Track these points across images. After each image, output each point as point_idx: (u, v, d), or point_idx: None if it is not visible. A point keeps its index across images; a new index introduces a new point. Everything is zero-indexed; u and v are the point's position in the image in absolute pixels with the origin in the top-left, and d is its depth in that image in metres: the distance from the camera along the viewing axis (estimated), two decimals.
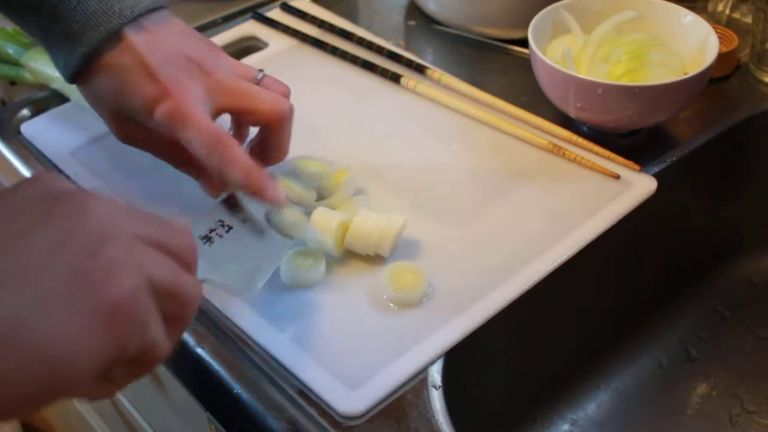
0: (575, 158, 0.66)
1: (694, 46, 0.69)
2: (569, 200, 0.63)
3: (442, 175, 0.66)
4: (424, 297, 0.55)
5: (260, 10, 0.85)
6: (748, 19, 0.81)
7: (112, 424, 0.96)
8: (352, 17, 0.85)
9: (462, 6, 0.81)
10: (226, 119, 0.60)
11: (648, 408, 0.70)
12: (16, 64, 0.75)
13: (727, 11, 0.82)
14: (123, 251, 0.35)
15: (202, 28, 0.83)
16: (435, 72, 0.74)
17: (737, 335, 0.75)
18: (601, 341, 0.72)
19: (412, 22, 0.86)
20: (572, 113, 0.67)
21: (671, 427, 0.69)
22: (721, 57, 0.69)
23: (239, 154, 0.54)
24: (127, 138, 0.59)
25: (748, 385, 0.71)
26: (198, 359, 0.53)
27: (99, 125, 0.69)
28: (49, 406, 0.34)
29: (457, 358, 0.53)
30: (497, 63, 0.80)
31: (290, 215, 0.55)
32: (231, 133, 0.62)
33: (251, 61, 0.78)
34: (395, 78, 0.75)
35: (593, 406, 0.70)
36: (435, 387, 0.50)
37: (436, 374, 0.51)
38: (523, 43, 0.72)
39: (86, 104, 0.70)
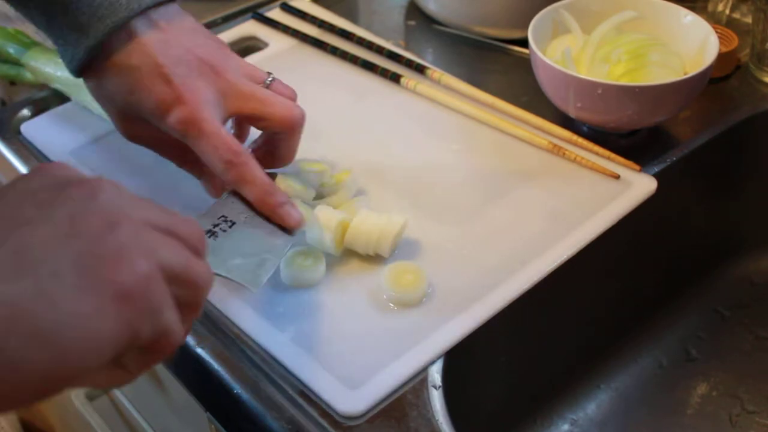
0: (575, 158, 0.66)
1: (694, 46, 0.69)
2: (569, 200, 0.63)
3: (442, 175, 0.66)
4: (424, 297, 0.55)
5: (260, 10, 0.85)
6: (748, 19, 0.81)
7: (112, 424, 0.96)
8: (352, 17, 0.85)
9: (462, 6, 0.81)
10: None
11: (648, 408, 0.70)
12: (16, 63, 0.75)
13: (727, 11, 0.82)
14: (133, 237, 0.35)
15: None
16: (435, 72, 0.74)
17: (737, 335, 0.75)
18: (601, 341, 0.72)
19: (412, 22, 0.86)
20: (572, 113, 0.67)
21: (671, 427, 0.69)
22: (721, 57, 0.69)
23: (257, 172, 0.54)
24: (132, 136, 0.59)
25: (748, 385, 0.71)
26: (198, 359, 0.53)
27: (99, 125, 0.70)
28: (58, 394, 0.33)
29: (457, 358, 0.53)
30: (497, 63, 0.80)
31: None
32: (232, 131, 0.62)
33: (251, 61, 0.78)
34: (395, 78, 0.75)
35: (593, 406, 0.70)
36: (435, 387, 0.50)
37: (436, 374, 0.51)
38: (523, 43, 0.72)
39: (87, 104, 0.70)
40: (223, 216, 0.53)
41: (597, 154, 0.66)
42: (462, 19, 0.82)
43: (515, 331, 0.59)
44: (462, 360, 0.53)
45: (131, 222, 0.36)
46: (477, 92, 0.72)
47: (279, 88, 0.59)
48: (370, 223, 0.57)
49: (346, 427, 0.48)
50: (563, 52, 0.68)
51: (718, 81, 0.75)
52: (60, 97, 0.74)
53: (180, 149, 0.60)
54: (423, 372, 0.51)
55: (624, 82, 0.65)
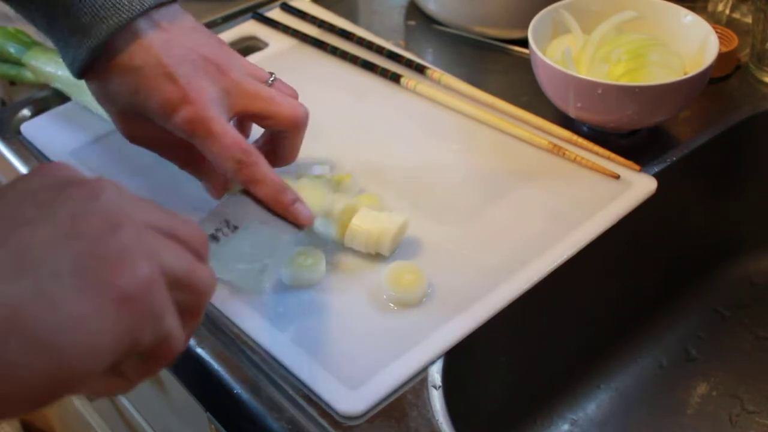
0: (575, 158, 0.66)
1: (694, 46, 0.69)
2: (569, 200, 0.63)
3: (442, 175, 0.66)
4: (424, 297, 0.55)
5: (260, 10, 0.85)
6: (748, 19, 0.81)
7: (112, 424, 0.96)
8: (352, 17, 0.85)
9: (462, 6, 0.81)
10: None
11: (648, 408, 0.70)
12: (17, 63, 0.75)
13: (727, 11, 0.82)
14: (135, 239, 0.34)
15: None
16: (435, 72, 0.74)
17: (737, 335, 0.75)
18: (601, 341, 0.72)
19: (412, 22, 0.86)
20: (572, 113, 0.67)
21: (671, 427, 0.69)
22: (721, 57, 0.69)
23: (268, 171, 0.54)
24: (134, 137, 0.59)
25: (748, 385, 0.71)
26: (198, 359, 0.53)
27: (99, 125, 0.70)
28: (57, 400, 0.32)
29: (457, 358, 0.53)
30: (497, 63, 0.80)
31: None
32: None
33: (251, 61, 0.78)
34: (395, 78, 0.75)
35: (593, 406, 0.70)
36: (435, 387, 0.50)
37: (436, 374, 0.51)
38: (523, 43, 0.72)
39: (87, 104, 0.70)
40: (225, 220, 0.52)
41: (597, 154, 0.66)
42: (462, 19, 0.82)
43: (515, 331, 0.59)
44: (462, 360, 0.53)
45: (133, 223, 0.35)
46: (477, 92, 0.72)
47: (281, 87, 0.59)
48: (370, 220, 0.57)
49: (346, 427, 0.48)
50: (563, 52, 0.68)
51: (718, 81, 0.75)
52: (60, 97, 0.74)
53: (181, 150, 0.60)
54: (423, 372, 0.51)
55: (624, 82, 0.65)
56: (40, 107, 0.74)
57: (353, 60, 0.77)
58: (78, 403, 1.01)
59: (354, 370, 0.51)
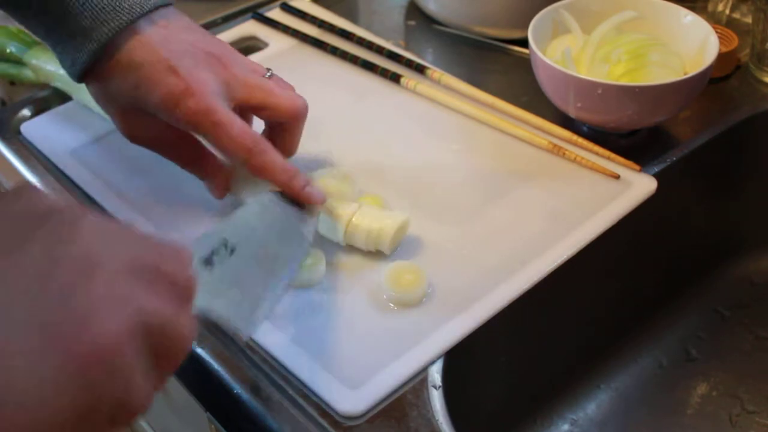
0: (575, 158, 0.66)
1: (694, 46, 0.69)
2: (569, 200, 0.63)
3: (442, 175, 0.66)
4: (424, 297, 0.55)
5: (260, 10, 0.85)
6: (748, 19, 0.81)
7: None
8: (352, 17, 0.85)
9: (462, 6, 0.81)
10: None
11: (648, 408, 0.70)
12: (18, 62, 0.75)
13: (727, 11, 0.82)
14: (109, 289, 0.31)
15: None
16: (435, 72, 0.74)
17: (737, 335, 0.75)
18: (601, 341, 0.72)
19: (412, 22, 0.86)
20: (572, 113, 0.67)
21: (671, 427, 0.69)
22: (721, 57, 0.69)
23: (277, 157, 0.54)
24: (135, 136, 0.59)
25: (748, 385, 0.71)
26: (198, 359, 0.53)
27: (100, 125, 0.70)
28: None
29: (457, 358, 0.53)
30: (497, 63, 0.80)
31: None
32: None
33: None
34: (395, 78, 0.75)
35: (593, 406, 0.70)
36: (435, 387, 0.50)
37: (436, 374, 0.51)
38: (523, 43, 0.72)
39: (88, 103, 0.70)
40: (223, 239, 0.47)
41: (597, 154, 0.66)
42: (462, 19, 0.82)
43: (515, 331, 0.59)
44: (462, 360, 0.53)
45: (109, 269, 0.32)
46: (477, 92, 0.72)
47: (279, 82, 0.60)
48: (371, 218, 0.57)
49: (346, 427, 0.48)
50: (563, 52, 0.68)
51: (718, 81, 0.75)
52: (60, 97, 0.74)
53: (182, 149, 0.60)
54: (423, 372, 0.51)
55: (624, 82, 0.65)
56: (40, 107, 0.74)
57: (353, 60, 0.77)
58: None
59: (354, 370, 0.51)
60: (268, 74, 0.59)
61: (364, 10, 0.89)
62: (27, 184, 0.37)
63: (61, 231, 0.32)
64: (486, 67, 0.80)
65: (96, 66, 0.55)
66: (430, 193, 0.64)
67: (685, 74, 0.66)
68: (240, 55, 0.58)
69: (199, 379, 0.54)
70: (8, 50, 0.75)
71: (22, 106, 0.74)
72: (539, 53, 0.66)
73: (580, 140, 0.67)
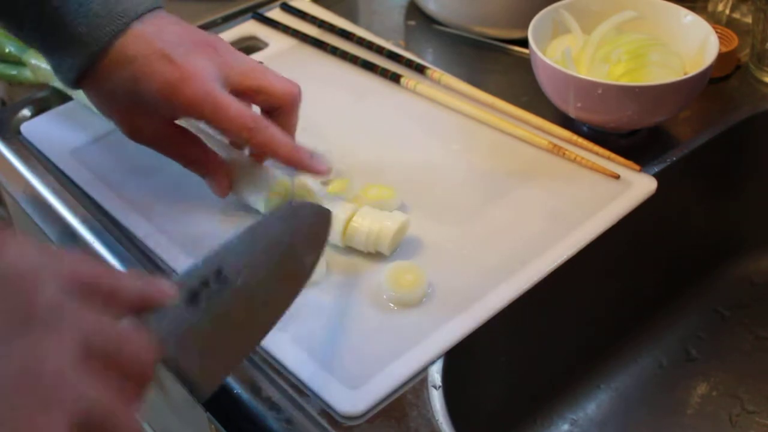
0: (575, 158, 0.66)
1: (694, 46, 0.69)
2: (569, 200, 0.63)
3: (442, 175, 0.66)
4: (424, 297, 0.55)
5: (260, 10, 0.85)
6: (748, 19, 0.81)
7: None
8: (352, 17, 0.85)
9: (462, 6, 0.81)
10: None
11: (648, 408, 0.70)
12: (17, 63, 0.75)
13: (727, 11, 0.82)
14: (53, 387, 0.30)
15: (202, 28, 0.83)
16: (435, 72, 0.74)
17: (737, 335, 0.75)
18: (601, 341, 0.72)
19: (412, 22, 0.86)
20: (572, 113, 0.67)
21: (671, 427, 0.69)
22: (721, 57, 0.69)
23: (279, 133, 0.55)
24: (136, 134, 0.59)
25: (748, 385, 0.71)
26: None
27: (100, 124, 0.70)
28: None
29: (457, 358, 0.53)
30: (497, 63, 0.80)
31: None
32: None
33: None
34: (395, 78, 0.75)
35: (593, 406, 0.70)
36: (435, 387, 0.50)
37: (436, 374, 0.51)
38: (523, 43, 0.72)
39: (89, 103, 0.70)
40: (217, 270, 0.42)
41: (597, 154, 0.66)
42: (462, 19, 0.82)
43: (515, 331, 0.59)
44: (462, 360, 0.53)
45: (56, 362, 0.30)
46: (477, 92, 0.72)
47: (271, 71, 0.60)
48: (371, 219, 0.57)
49: (346, 427, 0.48)
50: (563, 52, 0.68)
51: (718, 81, 0.75)
52: (60, 97, 0.74)
53: (183, 146, 0.60)
54: (423, 372, 0.51)
55: (624, 82, 0.65)
56: (40, 107, 0.74)
57: (353, 60, 0.77)
58: None
59: (354, 370, 0.51)
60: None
61: (364, 10, 0.89)
62: None
63: (16, 315, 0.31)
64: (486, 67, 0.80)
65: (90, 69, 0.55)
66: (430, 193, 0.64)
67: (685, 74, 0.66)
68: (231, 47, 0.59)
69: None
70: (7, 50, 0.75)
71: (22, 106, 0.74)
72: (539, 53, 0.66)
73: (580, 140, 0.67)
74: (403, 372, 0.51)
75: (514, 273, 0.57)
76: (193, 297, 0.40)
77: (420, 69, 0.75)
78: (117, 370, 0.33)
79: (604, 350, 0.72)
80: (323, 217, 0.51)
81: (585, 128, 0.70)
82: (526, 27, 0.69)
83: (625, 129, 0.69)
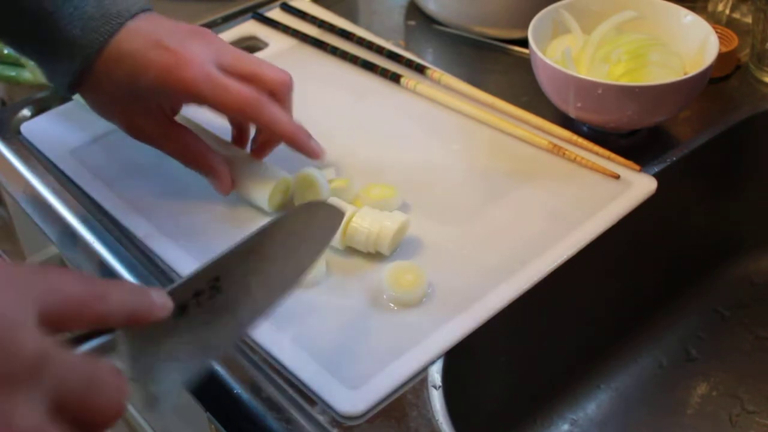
0: (575, 158, 0.66)
1: (694, 46, 0.69)
2: (569, 200, 0.63)
3: (442, 175, 0.66)
4: (424, 297, 0.55)
5: (260, 10, 0.85)
6: (748, 19, 0.81)
7: None
8: (352, 17, 0.85)
9: (462, 6, 0.81)
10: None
11: (648, 408, 0.70)
12: (16, 64, 0.75)
13: (727, 11, 0.82)
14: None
15: None
16: (435, 72, 0.74)
17: (737, 335, 0.75)
18: (601, 341, 0.72)
19: (412, 22, 0.86)
20: (572, 113, 0.67)
21: (671, 427, 0.69)
22: (721, 57, 0.69)
23: (280, 110, 0.57)
24: (137, 132, 0.60)
25: (748, 385, 0.71)
26: None
27: (100, 124, 0.70)
28: None
29: (457, 358, 0.53)
30: (497, 63, 0.80)
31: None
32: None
33: None
34: (395, 78, 0.75)
35: (593, 406, 0.70)
36: (435, 387, 0.50)
37: (436, 374, 0.51)
38: (523, 43, 0.72)
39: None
40: (215, 278, 0.41)
41: (597, 154, 0.66)
42: (462, 19, 0.82)
43: (515, 331, 0.59)
44: (462, 360, 0.53)
45: (25, 422, 0.29)
46: (477, 92, 0.72)
47: None
48: (371, 220, 0.57)
49: (346, 427, 0.48)
50: (563, 52, 0.68)
51: (718, 81, 0.75)
52: (60, 97, 0.74)
53: (184, 143, 0.60)
54: (423, 372, 0.51)
55: (624, 82, 0.65)
56: (40, 107, 0.74)
57: (353, 60, 0.77)
58: None
59: (354, 370, 0.51)
60: None
61: (364, 10, 0.89)
62: None
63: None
64: (486, 67, 0.80)
65: (87, 72, 0.56)
66: (430, 193, 0.64)
67: (685, 74, 0.66)
68: (222, 39, 0.60)
69: (199, 379, 0.54)
70: (5, 51, 0.75)
71: (22, 106, 0.74)
72: (539, 53, 0.66)
73: (580, 140, 0.67)
74: (403, 372, 0.51)
75: (514, 273, 0.57)
76: (181, 310, 0.39)
77: (420, 69, 0.75)
78: (88, 416, 0.32)
79: (604, 350, 0.72)
80: (334, 219, 0.50)
81: (585, 128, 0.70)
82: (526, 27, 0.69)
83: (625, 129, 0.69)
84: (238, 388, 0.51)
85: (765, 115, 0.73)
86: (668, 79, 0.64)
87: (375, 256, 0.58)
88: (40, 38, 0.55)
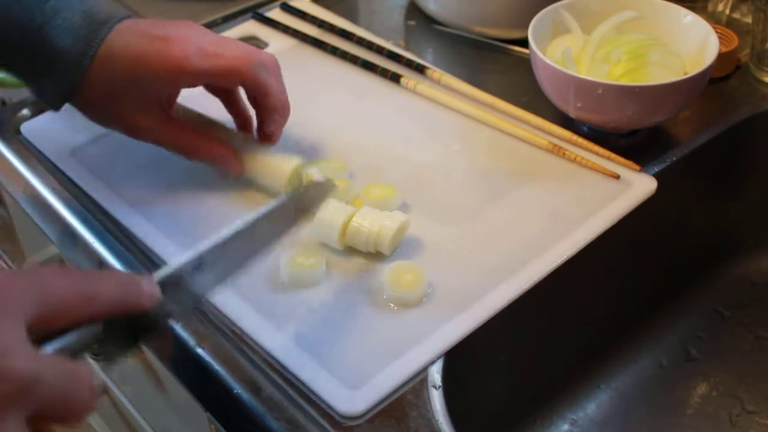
0: (575, 158, 0.66)
1: (694, 46, 0.69)
2: (569, 200, 0.63)
3: (442, 175, 0.66)
4: (424, 297, 0.55)
5: (260, 10, 0.85)
6: (748, 19, 0.81)
7: (112, 424, 0.96)
8: (352, 17, 0.85)
9: (462, 6, 0.81)
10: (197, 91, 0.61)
11: (648, 408, 0.70)
12: None
13: (727, 11, 0.82)
14: None
15: None
16: (435, 72, 0.74)
17: (737, 335, 0.75)
18: (601, 341, 0.72)
19: (412, 22, 0.86)
20: (572, 113, 0.67)
21: (671, 427, 0.69)
22: (721, 57, 0.69)
23: (274, 79, 0.60)
24: (136, 130, 0.60)
25: (748, 385, 0.71)
26: (198, 359, 0.53)
27: None
28: None
29: (457, 358, 0.53)
30: (497, 63, 0.80)
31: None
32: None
33: None
34: (395, 78, 0.75)
35: (593, 406, 0.70)
36: (435, 387, 0.50)
37: (436, 374, 0.51)
38: (523, 43, 0.72)
39: None
40: (199, 260, 0.44)
41: (597, 154, 0.66)
42: (462, 19, 0.82)
43: (515, 331, 0.59)
44: (462, 360, 0.53)
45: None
46: (477, 92, 0.72)
47: None
48: (371, 219, 0.57)
49: (346, 427, 0.48)
50: (563, 52, 0.68)
51: (718, 81, 0.75)
52: None
53: (184, 136, 0.60)
54: (423, 372, 0.51)
55: (624, 82, 0.65)
56: (40, 107, 0.74)
57: (353, 60, 0.77)
58: None
59: (354, 370, 0.51)
60: None
61: (364, 10, 0.89)
62: None
63: None
64: (486, 67, 0.80)
65: (80, 81, 0.56)
66: (430, 193, 0.64)
67: (685, 74, 0.66)
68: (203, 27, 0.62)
69: (199, 379, 0.54)
70: None
71: (22, 106, 0.74)
72: (539, 53, 0.66)
73: (580, 140, 0.67)
74: (403, 372, 0.51)
75: (514, 273, 0.57)
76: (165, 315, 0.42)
77: (420, 69, 0.75)
78: (59, 416, 0.34)
79: (604, 350, 0.72)
80: (324, 191, 0.56)
81: (585, 128, 0.70)
82: (526, 27, 0.69)
83: (625, 129, 0.69)
84: (238, 388, 0.51)
85: (765, 115, 0.73)
86: (668, 79, 0.64)
87: (375, 256, 0.58)
88: (31, 51, 0.56)
